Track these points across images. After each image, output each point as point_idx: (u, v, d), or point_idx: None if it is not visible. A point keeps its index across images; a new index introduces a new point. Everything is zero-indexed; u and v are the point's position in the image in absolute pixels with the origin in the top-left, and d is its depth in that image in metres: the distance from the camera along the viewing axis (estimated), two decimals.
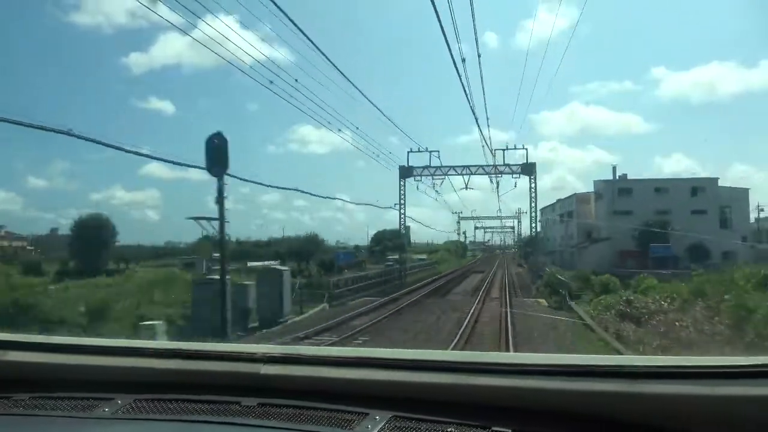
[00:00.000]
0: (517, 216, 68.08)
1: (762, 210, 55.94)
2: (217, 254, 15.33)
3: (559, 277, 24.17)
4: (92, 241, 42.30)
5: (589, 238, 54.15)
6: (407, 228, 39.41)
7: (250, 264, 28.37)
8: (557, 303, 20.15)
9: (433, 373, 1.34)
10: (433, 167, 32.28)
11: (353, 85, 21.15)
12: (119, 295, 14.62)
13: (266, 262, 27.97)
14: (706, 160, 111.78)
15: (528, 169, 32.38)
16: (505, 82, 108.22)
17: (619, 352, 10.47)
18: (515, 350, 11.14)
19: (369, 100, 35.91)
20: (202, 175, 13.99)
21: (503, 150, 31.56)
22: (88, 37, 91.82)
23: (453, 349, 11.23)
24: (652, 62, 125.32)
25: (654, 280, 18.22)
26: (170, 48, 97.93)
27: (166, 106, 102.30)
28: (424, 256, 60.21)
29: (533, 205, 34.82)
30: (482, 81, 19.51)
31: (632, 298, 15.61)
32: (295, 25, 10.90)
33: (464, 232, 78.08)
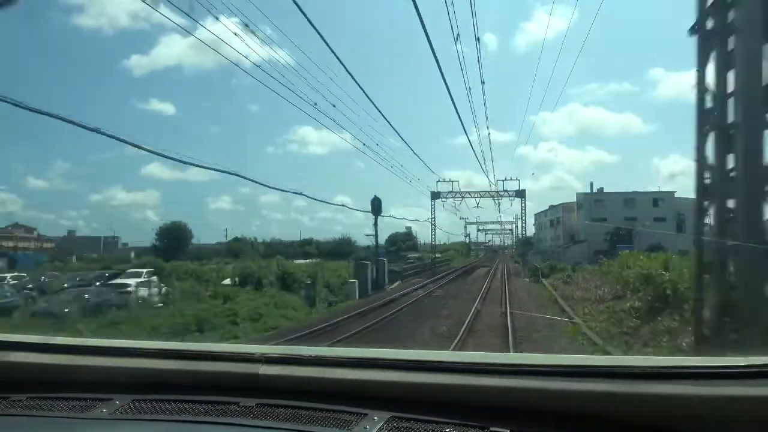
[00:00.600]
0: (514, 222, 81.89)
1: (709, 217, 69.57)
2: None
3: (537, 265, 38.54)
4: (175, 243, 56.12)
5: (572, 240, 68.02)
6: (415, 231, 53.50)
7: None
8: (534, 279, 34.38)
9: (432, 373, 1.34)
10: (455, 192, 46.46)
11: (373, 104, 31.50)
12: (313, 270, 28.06)
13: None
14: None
15: (520, 194, 46.60)
16: (505, 82, 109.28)
17: (552, 295, 24.29)
18: (509, 299, 24.23)
19: (393, 128, 48.96)
20: (202, 176, 25.61)
21: (503, 180, 45.68)
22: (89, 39, 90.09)
23: (480, 294, 24.84)
24: (650, 63, 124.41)
25: (589, 266, 32.27)
26: (171, 49, 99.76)
27: (167, 108, 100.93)
28: (439, 255, 74.07)
29: (524, 218, 48.99)
30: (482, 85, 26.18)
31: (570, 274, 29.87)
32: (327, 45, 12.26)
33: (468, 234, 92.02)
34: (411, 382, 1.33)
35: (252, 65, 32.21)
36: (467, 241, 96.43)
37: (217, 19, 13.70)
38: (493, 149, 53.09)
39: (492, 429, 1.20)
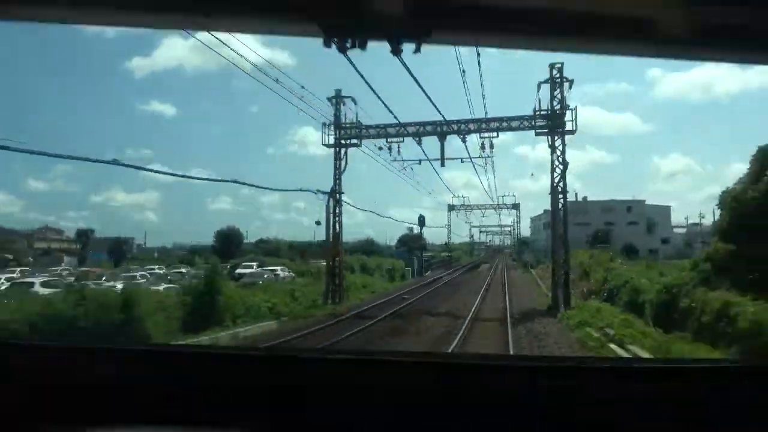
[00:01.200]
0: (512, 226, 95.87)
1: (687, 220, 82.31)
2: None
3: (527, 260, 52.97)
4: (230, 244, 69.90)
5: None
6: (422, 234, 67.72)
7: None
8: (524, 270, 48.71)
9: (431, 374, 1.35)
10: (467, 205, 60.49)
11: (394, 115, 46.92)
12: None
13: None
14: (705, 159, 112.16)
15: (515, 206, 60.79)
16: (504, 84, 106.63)
17: (533, 276, 38.26)
18: (507, 279, 38.26)
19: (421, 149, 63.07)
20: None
21: (502, 196, 59.69)
22: (92, 41, 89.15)
23: (488, 276, 39.03)
24: (648, 64, 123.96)
25: None
26: (171, 51, 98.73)
27: (167, 109, 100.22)
28: (449, 254, 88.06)
29: (518, 224, 62.95)
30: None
31: (549, 265, 44.25)
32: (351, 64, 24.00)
33: (472, 236, 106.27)
34: (411, 383, 1.32)
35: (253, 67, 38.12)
36: (471, 241, 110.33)
37: None
38: (493, 150, 66.85)
39: (493, 428, 1.21)
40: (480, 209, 60.95)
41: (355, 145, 21.17)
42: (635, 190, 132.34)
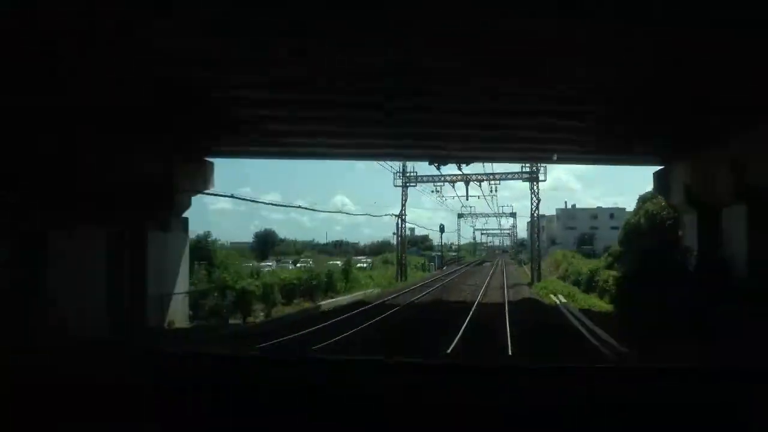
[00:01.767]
0: (510, 230, 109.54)
1: None
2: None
3: (522, 258, 67.05)
4: (267, 244, 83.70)
5: (552, 242, 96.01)
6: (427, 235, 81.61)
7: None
8: (519, 265, 62.71)
9: (431, 375, 1.38)
10: (474, 213, 74.19)
11: (439, 172, 61.22)
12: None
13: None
14: None
15: (513, 215, 74.61)
16: None
17: (524, 271, 51.90)
18: (505, 271, 51.77)
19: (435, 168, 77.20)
20: None
21: (503, 207, 73.32)
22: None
23: (492, 269, 52.79)
24: None
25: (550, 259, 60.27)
26: None
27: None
28: (455, 253, 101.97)
29: (515, 231, 76.75)
30: None
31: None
32: None
33: (474, 237, 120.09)
34: (411, 383, 1.34)
35: None
36: (474, 242, 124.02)
37: None
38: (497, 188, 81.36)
39: (492, 431, 1.21)
40: (484, 216, 74.80)
41: (412, 185, 35.09)
42: (635, 193, 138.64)
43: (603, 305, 21.31)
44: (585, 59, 8.63)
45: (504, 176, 33.11)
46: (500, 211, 72.31)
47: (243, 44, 8.15)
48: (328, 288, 24.76)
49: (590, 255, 45.67)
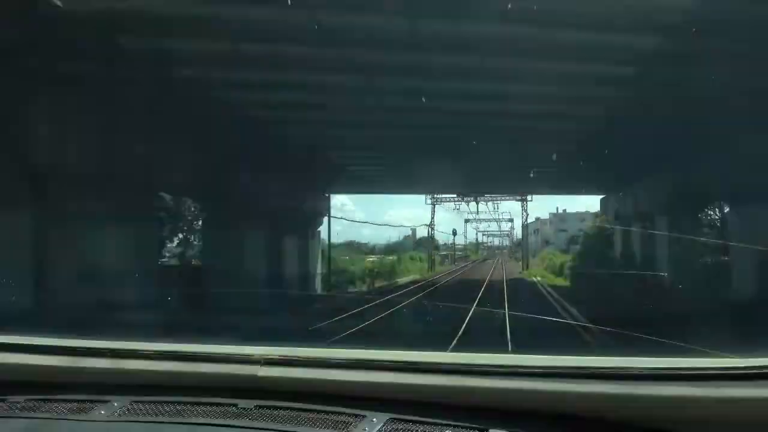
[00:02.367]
0: (509, 231, 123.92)
1: None
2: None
3: (518, 256, 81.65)
4: None
5: (546, 243, 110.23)
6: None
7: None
8: (515, 262, 77.03)
9: (431, 375, 1.36)
10: (478, 219, 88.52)
11: (456, 194, 76.21)
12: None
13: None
14: None
15: (510, 220, 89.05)
16: None
17: (519, 265, 66.13)
18: (504, 268, 65.95)
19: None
20: None
21: (501, 213, 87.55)
22: None
23: (494, 264, 67.12)
24: None
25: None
26: None
27: None
28: (460, 252, 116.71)
29: (512, 234, 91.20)
30: None
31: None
32: None
33: (477, 237, 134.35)
34: (410, 383, 1.34)
35: None
36: (477, 242, 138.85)
37: None
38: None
39: (491, 431, 1.22)
40: (487, 221, 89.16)
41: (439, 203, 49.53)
42: None
43: (563, 282, 35.36)
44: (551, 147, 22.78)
45: (504, 197, 47.45)
46: (500, 217, 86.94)
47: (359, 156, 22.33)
48: (391, 274, 38.97)
49: None
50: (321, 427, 1.26)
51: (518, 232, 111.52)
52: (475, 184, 31.56)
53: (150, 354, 1.57)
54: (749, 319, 9.74)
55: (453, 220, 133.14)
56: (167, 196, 17.34)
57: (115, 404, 1.40)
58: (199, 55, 12.07)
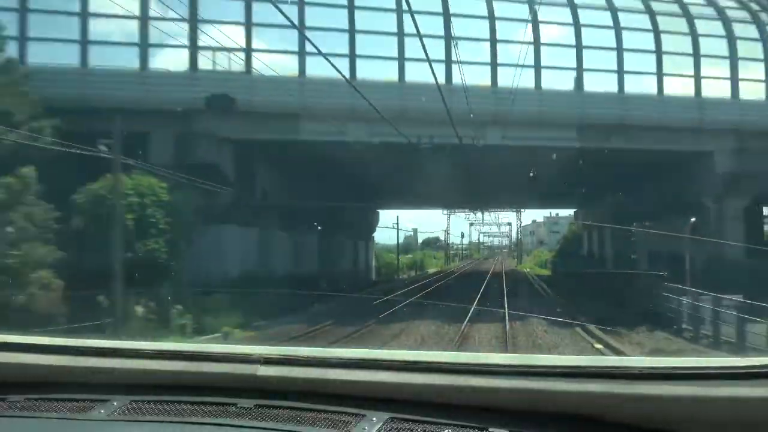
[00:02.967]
0: (508, 232, 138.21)
1: None
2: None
3: (514, 254, 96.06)
4: None
5: (540, 244, 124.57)
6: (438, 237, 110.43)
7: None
8: (513, 260, 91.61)
9: (430, 374, 1.34)
10: (481, 223, 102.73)
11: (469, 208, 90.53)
12: None
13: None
14: None
15: (509, 224, 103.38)
16: None
17: (515, 262, 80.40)
18: (503, 263, 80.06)
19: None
20: None
21: (500, 218, 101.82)
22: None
23: (495, 262, 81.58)
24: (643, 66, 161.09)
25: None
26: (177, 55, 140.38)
27: None
28: (466, 251, 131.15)
29: (511, 237, 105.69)
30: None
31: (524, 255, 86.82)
32: None
33: (479, 238, 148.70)
34: (410, 383, 1.33)
35: None
36: (479, 242, 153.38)
37: None
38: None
39: (491, 430, 1.21)
40: (489, 225, 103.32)
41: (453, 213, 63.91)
42: None
43: (545, 272, 49.51)
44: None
45: (503, 209, 61.82)
46: (500, 222, 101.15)
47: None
48: (421, 266, 53.27)
49: None
50: (321, 426, 1.26)
51: (517, 232, 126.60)
52: (481, 201, 45.78)
53: (149, 353, 1.56)
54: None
55: (461, 225, 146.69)
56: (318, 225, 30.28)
57: (115, 404, 1.39)
58: (339, 158, 25.01)
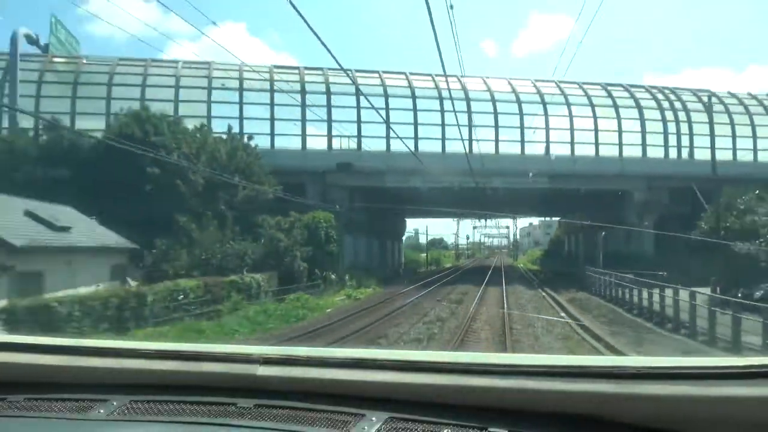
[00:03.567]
0: (507, 234, 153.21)
1: None
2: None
3: (511, 252, 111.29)
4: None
5: (536, 244, 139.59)
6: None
7: None
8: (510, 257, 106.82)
9: (430, 374, 1.34)
10: (483, 225, 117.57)
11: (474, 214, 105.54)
12: None
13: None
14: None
15: (507, 227, 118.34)
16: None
17: (512, 260, 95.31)
18: (502, 261, 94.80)
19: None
20: None
21: (500, 223, 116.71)
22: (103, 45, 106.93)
23: (495, 260, 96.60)
24: (644, 68, 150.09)
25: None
26: (178, 55, 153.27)
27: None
28: (469, 251, 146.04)
29: (509, 237, 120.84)
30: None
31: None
32: None
33: (481, 240, 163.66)
34: (409, 382, 1.33)
35: None
36: (480, 243, 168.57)
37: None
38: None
39: (490, 430, 1.21)
40: (491, 228, 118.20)
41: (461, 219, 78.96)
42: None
43: (535, 267, 64.34)
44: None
45: (502, 216, 76.78)
46: (500, 225, 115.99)
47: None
48: (437, 263, 68.24)
49: None
50: (320, 426, 1.26)
51: (515, 235, 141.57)
52: (492, 212, 60.67)
53: (149, 353, 1.55)
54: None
55: (464, 228, 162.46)
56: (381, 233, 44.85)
57: (114, 403, 1.39)
58: (402, 195, 39.93)
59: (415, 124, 35.82)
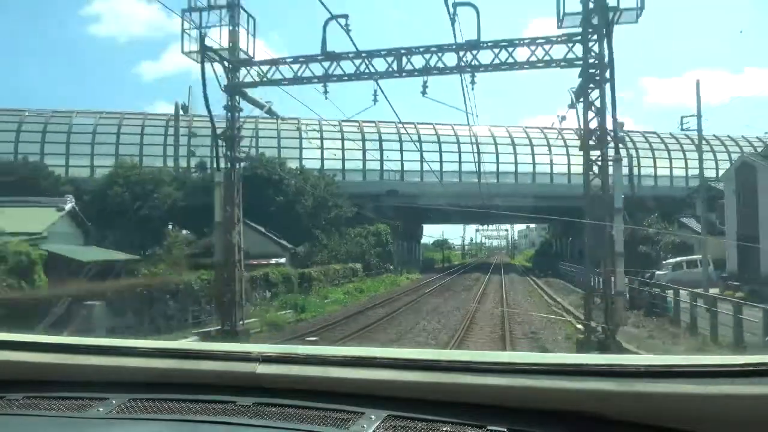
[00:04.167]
0: (506, 234, 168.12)
1: None
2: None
3: (509, 252, 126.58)
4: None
5: (532, 245, 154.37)
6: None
7: None
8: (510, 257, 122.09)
9: (429, 372, 1.35)
10: (485, 228, 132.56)
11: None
12: None
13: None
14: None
15: (506, 230, 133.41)
16: (502, 89, 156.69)
17: (510, 259, 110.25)
18: (501, 260, 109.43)
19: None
20: None
21: (499, 227, 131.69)
22: (105, 46, 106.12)
23: (495, 259, 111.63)
24: (642, 72, 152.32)
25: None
26: (179, 56, 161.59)
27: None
28: (473, 251, 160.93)
29: (508, 239, 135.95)
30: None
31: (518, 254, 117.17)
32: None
33: (482, 241, 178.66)
34: (409, 380, 1.33)
35: None
36: (481, 243, 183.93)
37: None
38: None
39: (489, 428, 1.21)
40: (491, 231, 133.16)
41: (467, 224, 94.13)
42: None
43: (528, 264, 79.26)
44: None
45: (501, 224, 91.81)
46: (499, 228, 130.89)
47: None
48: (448, 260, 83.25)
49: None
50: (319, 424, 1.26)
51: (512, 237, 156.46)
52: (494, 219, 75.71)
53: (148, 351, 1.56)
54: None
55: (467, 232, 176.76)
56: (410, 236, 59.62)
57: (113, 402, 1.39)
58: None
59: (440, 162, 51.06)
